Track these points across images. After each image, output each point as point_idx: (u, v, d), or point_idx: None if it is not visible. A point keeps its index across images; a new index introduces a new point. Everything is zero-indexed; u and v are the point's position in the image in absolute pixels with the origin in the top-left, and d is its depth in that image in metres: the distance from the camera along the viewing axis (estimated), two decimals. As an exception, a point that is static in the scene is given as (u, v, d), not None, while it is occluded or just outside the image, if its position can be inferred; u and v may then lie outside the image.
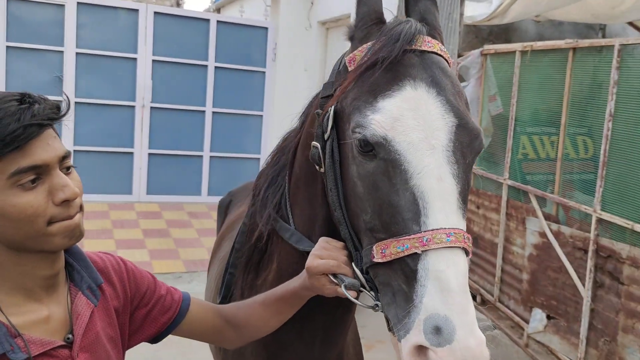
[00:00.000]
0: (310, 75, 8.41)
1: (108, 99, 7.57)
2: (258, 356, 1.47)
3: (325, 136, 1.18)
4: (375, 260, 1.04)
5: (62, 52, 7.39)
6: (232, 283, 1.54)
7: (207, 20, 8.02)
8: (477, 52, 4.98)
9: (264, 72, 8.41)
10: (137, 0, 13.31)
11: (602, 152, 3.46)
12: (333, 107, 1.16)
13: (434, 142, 1.03)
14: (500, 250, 4.60)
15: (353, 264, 1.15)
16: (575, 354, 3.67)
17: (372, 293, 1.10)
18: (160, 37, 7.78)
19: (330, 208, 1.20)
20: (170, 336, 1.33)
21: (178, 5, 17.86)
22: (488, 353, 0.95)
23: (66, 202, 1.02)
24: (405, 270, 1.00)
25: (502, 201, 4.57)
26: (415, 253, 0.98)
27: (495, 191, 4.77)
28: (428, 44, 1.14)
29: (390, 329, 1.06)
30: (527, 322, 4.19)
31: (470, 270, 5.15)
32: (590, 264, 3.53)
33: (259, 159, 8.53)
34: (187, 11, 8.76)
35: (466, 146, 1.07)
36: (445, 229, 0.98)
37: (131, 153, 7.77)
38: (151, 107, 7.81)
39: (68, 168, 1.07)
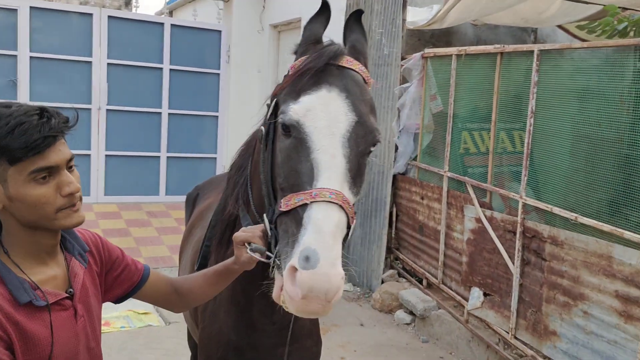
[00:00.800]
0: (263, 76, 8.71)
1: (64, 102, 7.64)
2: (230, 313, 1.78)
3: (267, 119, 1.54)
4: (281, 209, 1.37)
5: (15, 56, 7.44)
6: (208, 254, 1.85)
7: (162, 24, 8.20)
8: (418, 55, 5.39)
9: (218, 74, 8.64)
10: (84, 2, 13.24)
11: (525, 145, 3.92)
12: (275, 98, 1.52)
13: (334, 130, 1.38)
14: (442, 237, 5.03)
15: (265, 215, 1.49)
16: (508, 325, 4.12)
17: (272, 249, 1.43)
18: (115, 40, 7.92)
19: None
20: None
21: (126, 5, 17.78)
22: (341, 284, 1.27)
23: (70, 195, 1.33)
24: (297, 218, 1.33)
25: (443, 192, 5.00)
26: (305, 204, 1.31)
27: (437, 183, 5.20)
28: (349, 62, 1.49)
29: (274, 269, 1.40)
30: (467, 300, 4.63)
31: (417, 257, 5.58)
32: (518, 244, 3.97)
33: (215, 158, 8.77)
34: (141, 15, 8.91)
35: (361, 137, 1.41)
36: (329, 189, 1.32)
37: (88, 155, 7.88)
38: (107, 110, 7.94)
39: (71, 167, 1.37)
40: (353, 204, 1.40)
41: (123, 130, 8.06)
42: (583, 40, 6.96)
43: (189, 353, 3.50)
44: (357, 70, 1.49)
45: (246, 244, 1.50)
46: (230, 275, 1.64)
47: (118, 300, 1.63)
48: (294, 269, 1.25)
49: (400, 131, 5.66)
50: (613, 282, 3.25)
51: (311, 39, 1.56)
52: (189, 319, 2.26)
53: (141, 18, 8.40)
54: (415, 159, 5.65)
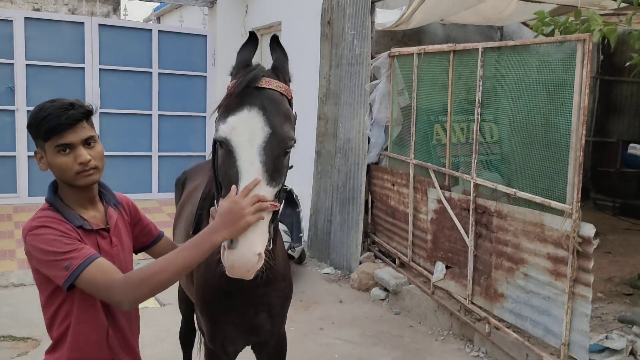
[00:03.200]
0: (248, 78, 9.18)
1: (59, 106, 8.09)
2: (219, 263, 2.24)
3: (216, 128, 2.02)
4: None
5: (12, 64, 7.88)
6: (200, 220, 2.34)
7: (150, 30, 8.67)
8: (385, 54, 5.90)
9: (205, 76, 9.13)
10: (72, 8, 13.62)
11: (474, 132, 4.42)
12: (217, 113, 1.98)
13: (252, 142, 1.79)
14: (410, 219, 5.54)
15: (215, 201, 1.98)
16: (466, 292, 4.63)
17: None
18: (106, 47, 8.39)
19: None
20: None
21: (114, 11, 18.19)
22: (256, 259, 1.72)
23: (82, 164, 1.82)
24: None
25: (410, 177, 5.51)
26: None
27: (405, 170, 5.70)
28: (267, 82, 1.87)
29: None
30: (432, 274, 5.13)
31: (390, 239, 6.09)
32: (471, 219, 4.49)
33: (204, 156, 9.23)
34: (130, 22, 9.36)
35: (275, 145, 1.81)
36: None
37: (84, 156, 8.32)
38: (100, 113, 8.39)
39: (90, 144, 1.86)
40: (277, 192, 1.85)
41: (116, 132, 8.51)
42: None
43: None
44: (274, 88, 1.89)
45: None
46: None
47: (137, 250, 2.18)
48: (224, 247, 1.77)
49: (372, 124, 6.17)
50: (545, 246, 3.77)
51: (242, 64, 1.96)
52: (183, 278, 2.74)
53: (130, 25, 8.86)
54: (386, 149, 6.15)
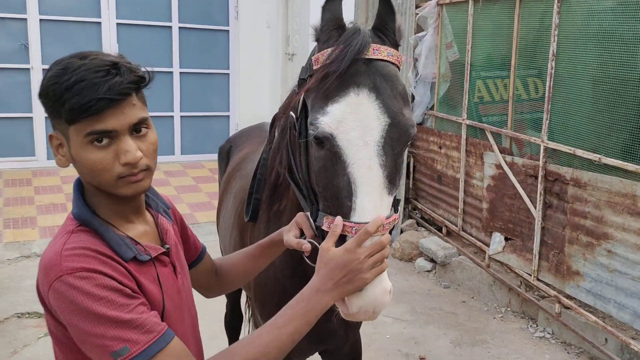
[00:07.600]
0: (272, 32, 8.61)
1: (75, 64, 7.63)
2: (287, 263, 1.79)
3: (297, 113, 1.47)
4: (323, 227, 1.34)
5: (25, 19, 7.39)
6: (258, 206, 1.87)
7: (168, -19, 8.09)
8: (433, 2, 5.32)
9: (227, 31, 8.57)
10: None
11: (547, 88, 3.91)
12: (302, 96, 1.43)
13: (367, 139, 1.29)
14: (461, 185, 5.08)
15: (308, 213, 1.44)
16: (530, 267, 4.20)
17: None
18: (123, 0, 7.85)
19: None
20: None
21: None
22: (388, 298, 1.28)
23: (128, 165, 1.16)
24: (343, 240, 1.28)
25: (461, 140, 5.02)
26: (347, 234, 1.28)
27: (455, 131, 5.21)
28: (376, 52, 1.35)
29: None
30: (488, 246, 4.70)
31: (436, 206, 5.64)
32: (540, 188, 4.02)
33: (228, 116, 8.78)
34: (147, -27, 8.75)
35: (395, 140, 1.32)
36: (367, 223, 1.25)
37: (103, 117, 7.90)
38: (119, 71, 7.92)
39: (139, 131, 1.19)
40: (393, 199, 1.36)
41: (136, 91, 8.04)
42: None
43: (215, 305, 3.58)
44: (384, 58, 1.37)
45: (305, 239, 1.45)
46: (276, 249, 1.57)
47: None
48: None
49: (416, 81, 5.65)
50: (637, 220, 3.30)
51: (333, 23, 1.40)
52: None
53: (148, -24, 8.27)
54: (432, 108, 5.65)
